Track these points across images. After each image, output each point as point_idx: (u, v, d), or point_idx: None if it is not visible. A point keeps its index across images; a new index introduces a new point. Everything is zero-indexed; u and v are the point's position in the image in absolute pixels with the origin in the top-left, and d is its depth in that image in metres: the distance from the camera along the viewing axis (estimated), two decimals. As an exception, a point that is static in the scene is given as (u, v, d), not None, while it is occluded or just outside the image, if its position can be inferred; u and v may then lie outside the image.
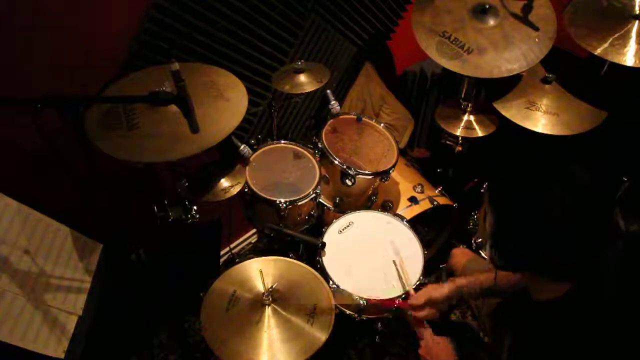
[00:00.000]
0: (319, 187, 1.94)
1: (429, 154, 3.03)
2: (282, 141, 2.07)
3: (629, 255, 1.03)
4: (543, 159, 1.10)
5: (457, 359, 1.44)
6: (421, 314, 1.58)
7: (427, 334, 1.50)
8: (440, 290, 1.58)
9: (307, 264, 1.69)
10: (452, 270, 1.89)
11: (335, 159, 1.92)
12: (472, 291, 1.56)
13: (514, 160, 1.15)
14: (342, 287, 1.68)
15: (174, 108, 1.33)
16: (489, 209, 1.12)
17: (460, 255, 1.90)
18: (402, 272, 1.73)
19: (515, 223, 1.07)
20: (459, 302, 2.34)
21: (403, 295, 1.68)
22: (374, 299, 1.65)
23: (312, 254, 1.87)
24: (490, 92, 2.22)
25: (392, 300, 1.65)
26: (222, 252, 2.54)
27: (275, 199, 1.85)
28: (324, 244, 1.76)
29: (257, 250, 2.72)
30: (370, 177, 1.96)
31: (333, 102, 2.13)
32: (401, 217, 1.99)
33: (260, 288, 1.56)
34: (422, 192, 2.27)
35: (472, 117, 2.23)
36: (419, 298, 1.58)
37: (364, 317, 1.72)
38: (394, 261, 1.77)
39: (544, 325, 1.11)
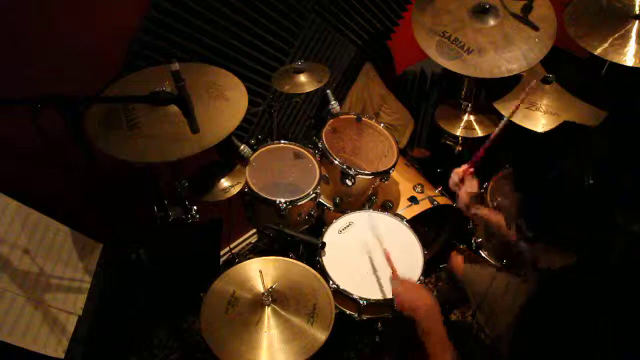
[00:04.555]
0: (319, 187, 1.94)
1: (429, 154, 3.03)
2: (282, 141, 2.07)
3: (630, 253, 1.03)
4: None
5: (436, 297, 1.49)
6: (481, 211, 1.70)
7: (396, 283, 1.51)
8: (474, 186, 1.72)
9: (307, 264, 1.69)
10: (453, 271, 1.89)
11: (335, 159, 1.92)
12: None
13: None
14: (342, 287, 1.68)
15: (174, 108, 1.33)
16: (512, 188, 1.17)
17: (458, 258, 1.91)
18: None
19: (543, 195, 1.11)
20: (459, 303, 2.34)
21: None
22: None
23: (312, 254, 1.87)
24: (490, 92, 2.22)
25: None
26: (222, 252, 2.54)
27: (275, 199, 1.85)
28: (324, 244, 1.76)
29: (257, 250, 2.72)
30: (370, 177, 1.96)
31: (333, 102, 2.13)
32: (401, 217, 1.99)
33: (260, 288, 1.57)
34: (422, 192, 2.27)
35: (472, 117, 2.23)
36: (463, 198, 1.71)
37: (364, 317, 1.72)
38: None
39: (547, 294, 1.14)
